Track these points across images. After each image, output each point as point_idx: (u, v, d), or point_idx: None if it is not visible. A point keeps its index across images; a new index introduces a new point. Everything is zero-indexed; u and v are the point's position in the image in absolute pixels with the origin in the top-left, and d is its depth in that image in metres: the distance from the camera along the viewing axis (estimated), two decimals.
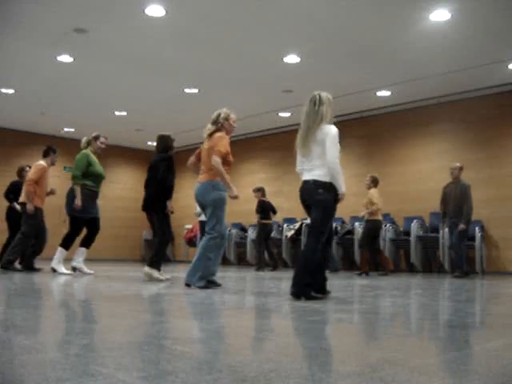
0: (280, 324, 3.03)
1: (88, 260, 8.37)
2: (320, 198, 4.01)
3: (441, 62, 8.59)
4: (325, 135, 4.01)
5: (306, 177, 4.10)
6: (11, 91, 10.65)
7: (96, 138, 7.21)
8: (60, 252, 7.05)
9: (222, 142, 4.95)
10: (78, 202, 6.81)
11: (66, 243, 7.07)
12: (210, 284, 5.00)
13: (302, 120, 4.18)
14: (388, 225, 10.28)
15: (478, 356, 2.03)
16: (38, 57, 8.73)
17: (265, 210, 10.10)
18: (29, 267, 7.59)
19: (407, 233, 10.15)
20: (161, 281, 5.93)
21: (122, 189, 15.17)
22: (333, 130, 4.04)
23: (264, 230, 10.16)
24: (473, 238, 9.47)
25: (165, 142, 6.30)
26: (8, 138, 13.79)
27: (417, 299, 4.67)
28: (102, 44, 8.17)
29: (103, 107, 11.79)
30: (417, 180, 10.81)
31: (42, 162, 7.70)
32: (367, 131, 11.60)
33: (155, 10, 6.93)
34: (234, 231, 12.86)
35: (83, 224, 7.14)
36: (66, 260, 7.34)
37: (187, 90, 10.44)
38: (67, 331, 2.50)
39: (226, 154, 4.94)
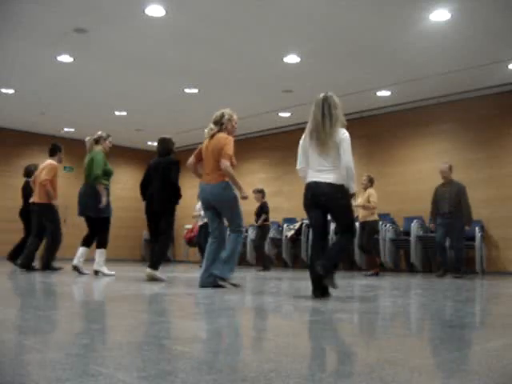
0: (280, 324, 3.03)
1: (88, 260, 8.37)
2: (343, 202, 4.16)
3: (441, 61, 8.59)
4: (341, 139, 4.12)
5: (318, 178, 4.16)
6: (11, 91, 10.65)
7: (105, 137, 7.16)
8: (101, 253, 6.89)
9: (230, 144, 4.98)
10: (104, 201, 6.82)
11: (103, 244, 6.96)
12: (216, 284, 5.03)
13: (315, 119, 4.20)
14: (388, 225, 10.28)
15: (478, 356, 2.03)
16: (38, 57, 8.73)
17: (268, 211, 10.25)
18: (26, 266, 7.57)
19: (407, 233, 10.15)
20: (163, 280, 5.96)
21: (122, 189, 15.16)
22: (347, 133, 4.17)
23: (264, 232, 10.34)
24: (473, 238, 9.47)
25: (167, 144, 6.32)
26: (8, 138, 13.80)
27: (417, 299, 4.67)
28: (102, 44, 8.17)
29: (103, 107, 11.80)
30: (417, 180, 10.80)
31: (53, 162, 7.71)
32: (367, 131, 11.59)
33: (155, 10, 6.93)
34: None
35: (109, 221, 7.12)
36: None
37: (187, 90, 10.44)
38: (67, 331, 2.50)
39: (232, 157, 5.01)
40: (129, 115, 12.41)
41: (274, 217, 11.68)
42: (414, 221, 10.01)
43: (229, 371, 1.64)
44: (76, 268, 6.96)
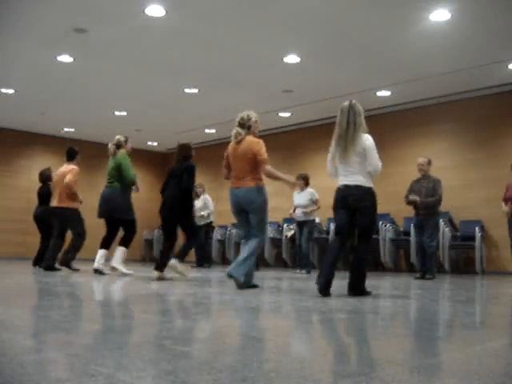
0: (280, 324, 3.03)
1: (88, 260, 8.37)
2: (368, 204, 4.37)
3: (441, 62, 8.59)
4: (366, 145, 4.36)
5: (347, 182, 4.39)
6: (11, 91, 10.64)
7: (124, 140, 7.33)
8: (122, 251, 7.01)
9: (264, 148, 4.99)
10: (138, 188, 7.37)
11: (127, 243, 7.10)
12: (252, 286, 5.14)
13: (340, 126, 4.41)
14: (388, 225, 10.28)
15: (478, 356, 2.03)
16: (38, 57, 8.73)
17: None
18: (50, 267, 7.70)
19: (407, 233, 10.14)
20: (185, 276, 6.35)
21: None
22: (371, 138, 4.42)
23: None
24: (473, 238, 9.47)
25: (185, 150, 6.43)
26: (8, 138, 13.79)
27: (417, 299, 4.67)
28: (102, 44, 8.17)
29: (103, 107, 11.80)
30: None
31: (75, 166, 7.85)
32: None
33: (155, 10, 6.93)
34: (234, 231, 12.87)
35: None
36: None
37: (187, 90, 10.44)
38: (67, 331, 2.50)
39: None
40: (129, 115, 12.41)
41: (274, 217, 11.67)
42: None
43: (229, 371, 1.64)
44: (97, 271, 6.93)
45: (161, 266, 6.18)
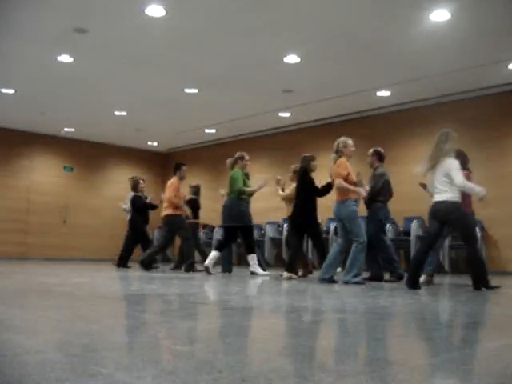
0: (280, 324, 3.03)
1: (88, 260, 8.36)
2: (455, 216, 5.25)
3: (441, 61, 8.59)
4: (450, 167, 5.26)
5: (436, 198, 5.34)
6: (11, 91, 10.64)
7: (240, 157, 7.95)
8: (252, 257, 7.77)
9: (341, 166, 6.07)
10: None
11: (252, 249, 7.82)
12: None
13: (433, 150, 5.54)
14: (388, 225, 10.27)
15: (478, 356, 2.03)
16: (38, 57, 8.73)
17: (195, 208, 9.75)
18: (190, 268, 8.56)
19: (407, 233, 10.15)
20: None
21: (122, 189, 15.16)
22: (455, 161, 5.32)
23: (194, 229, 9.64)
24: None
25: (302, 162, 7.08)
26: (8, 138, 13.80)
27: (417, 299, 4.67)
28: (102, 44, 8.17)
29: (103, 107, 11.80)
30: (417, 180, 10.79)
31: (174, 180, 8.78)
32: (367, 131, 11.57)
33: (155, 10, 6.93)
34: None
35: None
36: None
37: (187, 90, 10.44)
38: (67, 331, 2.50)
39: (348, 175, 6.03)
40: (129, 115, 12.41)
41: (274, 217, 11.68)
42: (414, 221, 10.01)
43: (229, 371, 1.64)
44: (207, 268, 7.69)
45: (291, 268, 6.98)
